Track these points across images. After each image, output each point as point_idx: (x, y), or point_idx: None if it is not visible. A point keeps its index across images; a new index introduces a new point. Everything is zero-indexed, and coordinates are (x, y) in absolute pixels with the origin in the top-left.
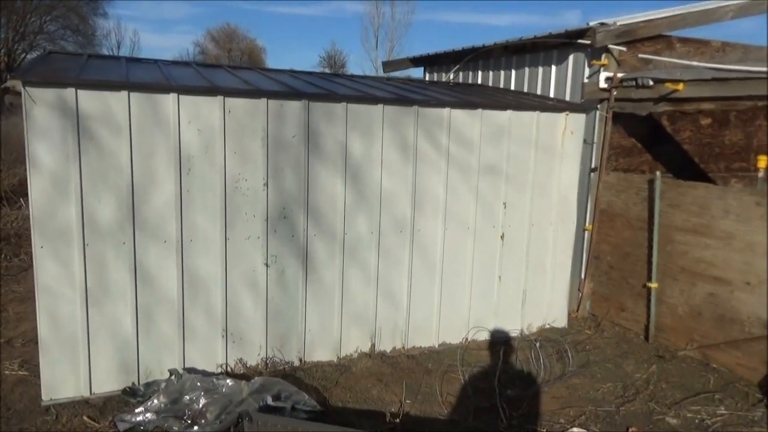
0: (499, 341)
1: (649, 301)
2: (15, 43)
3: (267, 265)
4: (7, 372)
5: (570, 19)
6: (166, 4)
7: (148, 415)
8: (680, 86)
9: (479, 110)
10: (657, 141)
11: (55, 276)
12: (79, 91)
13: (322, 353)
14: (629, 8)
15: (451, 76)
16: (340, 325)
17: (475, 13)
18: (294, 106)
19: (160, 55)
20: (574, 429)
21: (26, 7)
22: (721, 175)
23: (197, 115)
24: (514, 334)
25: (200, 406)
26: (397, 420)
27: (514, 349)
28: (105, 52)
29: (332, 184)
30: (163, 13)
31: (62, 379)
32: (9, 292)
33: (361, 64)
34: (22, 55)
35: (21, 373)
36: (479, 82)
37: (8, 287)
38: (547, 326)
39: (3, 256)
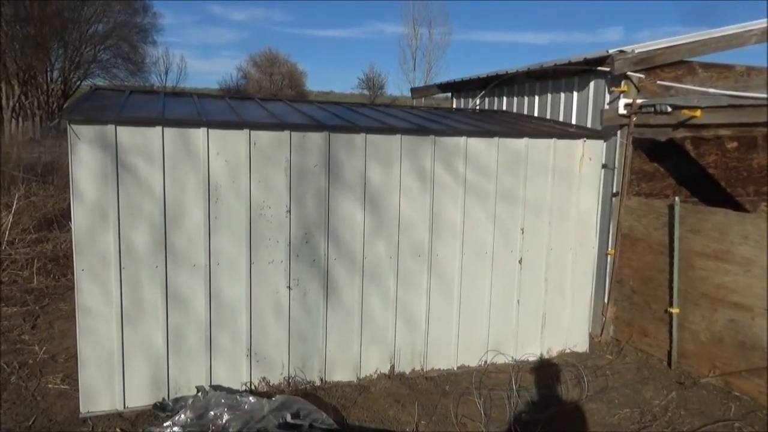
0: (518, 365)
1: (671, 326)
2: (71, 72)
3: (290, 288)
4: (50, 385)
5: (612, 37)
6: (211, 30)
7: (176, 429)
8: (698, 113)
9: (496, 138)
10: (681, 165)
11: (94, 297)
12: (118, 127)
13: (342, 373)
14: (672, 24)
15: (477, 102)
16: (359, 346)
17: (513, 32)
18: (315, 138)
19: (205, 79)
20: None
21: (81, 38)
22: (749, 199)
23: (225, 147)
24: (533, 357)
25: (223, 421)
26: None
27: (532, 372)
28: (154, 78)
29: (352, 210)
30: (208, 39)
31: (99, 393)
32: (56, 310)
33: (399, 85)
34: (78, 83)
35: (63, 386)
36: (504, 107)
37: (56, 305)
38: (568, 350)
39: (52, 276)
